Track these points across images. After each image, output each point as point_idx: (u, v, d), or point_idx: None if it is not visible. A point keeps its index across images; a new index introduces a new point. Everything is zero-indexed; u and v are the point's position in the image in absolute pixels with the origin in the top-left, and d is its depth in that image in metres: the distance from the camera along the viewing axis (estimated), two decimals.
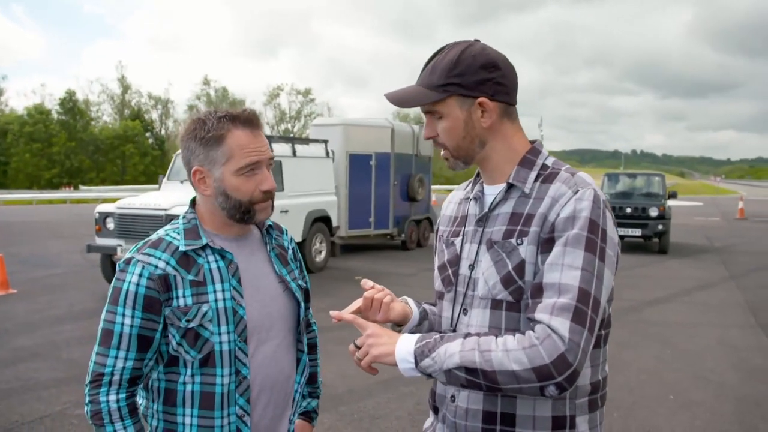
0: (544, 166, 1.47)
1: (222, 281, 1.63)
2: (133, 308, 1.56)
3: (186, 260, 1.61)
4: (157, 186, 11.38)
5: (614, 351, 6.60)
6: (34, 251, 14.27)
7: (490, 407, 1.43)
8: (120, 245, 9.01)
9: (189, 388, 1.61)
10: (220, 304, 1.61)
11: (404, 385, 5.38)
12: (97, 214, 9.39)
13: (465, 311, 1.50)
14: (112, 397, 1.56)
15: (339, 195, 12.97)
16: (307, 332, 1.99)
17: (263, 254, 1.77)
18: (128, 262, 1.60)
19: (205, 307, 1.59)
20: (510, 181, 1.46)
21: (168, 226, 1.70)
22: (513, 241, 1.40)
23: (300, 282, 1.83)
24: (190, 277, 1.60)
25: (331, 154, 12.55)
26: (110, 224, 9.22)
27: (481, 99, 1.42)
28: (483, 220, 1.49)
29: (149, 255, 1.60)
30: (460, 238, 1.55)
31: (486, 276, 1.43)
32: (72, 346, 6.54)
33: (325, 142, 12.44)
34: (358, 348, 1.45)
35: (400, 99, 1.47)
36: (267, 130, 72.63)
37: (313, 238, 11.39)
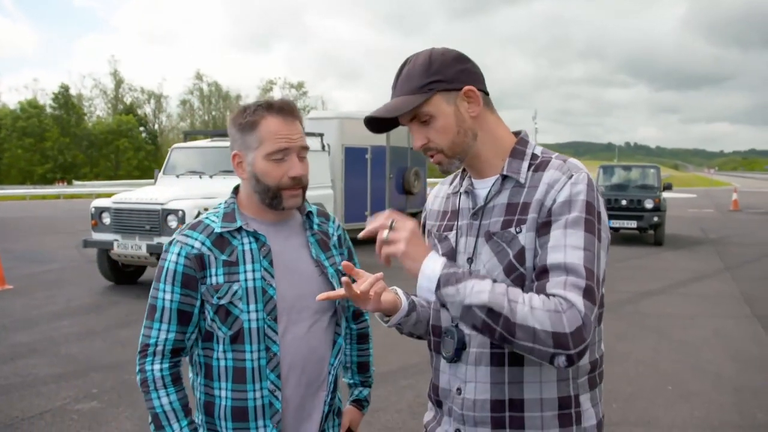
0: (534, 156, 1.48)
1: (253, 262, 1.71)
2: (173, 284, 1.69)
3: (221, 241, 1.72)
4: (152, 180, 11.35)
5: (611, 342, 6.63)
6: (29, 247, 14.23)
7: (498, 395, 1.44)
8: (116, 240, 8.98)
9: (222, 363, 1.71)
10: (250, 284, 1.70)
11: (404, 378, 5.40)
12: (93, 209, 9.35)
13: None
14: (156, 366, 1.69)
15: (335, 188, 12.97)
16: (358, 321, 2.05)
17: (302, 239, 1.83)
18: (170, 243, 1.74)
19: (235, 286, 1.69)
20: (504, 172, 1.47)
21: (210, 211, 1.81)
22: (512, 230, 1.42)
23: (341, 268, 1.83)
24: (224, 257, 1.70)
25: (326, 148, 12.53)
26: (106, 219, 9.18)
27: (468, 87, 1.43)
28: (478, 214, 1.50)
29: (187, 236, 1.72)
30: (453, 232, 1.55)
31: (488, 267, 1.44)
32: (70, 341, 6.53)
33: (321, 135, 12.42)
34: (390, 229, 1.37)
35: (387, 111, 1.43)
36: None
37: None
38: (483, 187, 1.52)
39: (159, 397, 1.68)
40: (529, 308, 1.28)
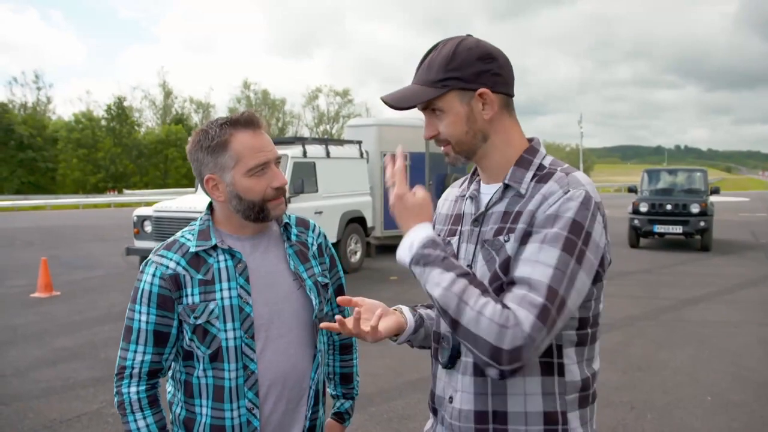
0: (540, 167, 1.44)
1: (229, 280, 1.69)
2: (149, 305, 1.67)
3: (197, 260, 1.69)
4: (194, 189, 11.58)
5: (650, 351, 6.48)
6: (77, 254, 14.66)
7: (482, 407, 1.42)
8: None
9: (203, 381, 1.69)
10: (227, 302, 1.67)
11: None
12: (135, 218, 9.60)
13: None
14: (133, 389, 1.67)
15: (374, 195, 13.00)
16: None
17: (280, 251, 1.80)
18: (146, 263, 1.72)
19: (212, 305, 1.66)
20: (506, 181, 1.44)
21: (186, 228, 1.78)
22: (501, 238, 1.39)
23: (320, 278, 1.84)
24: (199, 276, 1.68)
25: (365, 155, 12.59)
26: (148, 227, 9.41)
27: (482, 90, 1.40)
28: (479, 220, 1.47)
29: (162, 256, 1.70)
30: (456, 237, 1.53)
31: (480, 275, 1.41)
32: (110, 346, 6.70)
33: (359, 142, 12.48)
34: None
35: (398, 100, 1.44)
36: (305, 132, 73.57)
37: (348, 239, 11.44)
38: (488, 192, 1.49)
39: (135, 420, 1.66)
40: (477, 314, 1.25)
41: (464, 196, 1.57)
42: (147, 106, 70.50)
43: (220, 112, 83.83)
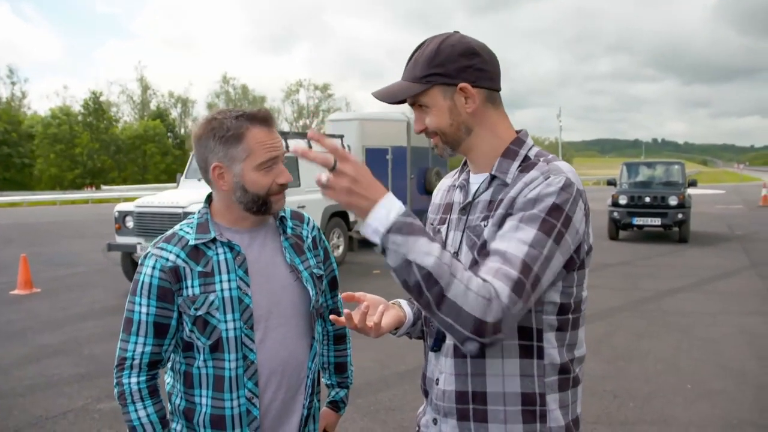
0: (526, 158, 1.48)
1: (228, 272, 1.72)
2: (149, 298, 1.70)
3: (196, 253, 1.73)
4: (175, 184, 11.51)
5: (631, 341, 6.58)
6: (56, 251, 14.50)
7: (462, 387, 1.46)
8: (139, 243, 9.13)
9: (203, 371, 1.73)
10: (226, 294, 1.71)
11: (421, 378, 5.39)
12: (117, 213, 9.51)
13: None
14: (133, 380, 1.70)
15: None
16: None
17: (276, 244, 1.84)
18: (145, 256, 1.75)
19: (212, 297, 1.70)
20: (492, 172, 1.48)
21: (184, 222, 1.82)
22: (482, 224, 1.44)
23: (315, 270, 1.88)
24: (199, 268, 1.71)
25: (347, 149, 12.57)
26: (129, 223, 9.34)
27: (463, 84, 1.44)
28: (466, 209, 1.52)
29: (162, 249, 1.73)
30: (445, 226, 1.58)
31: (464, 262, 1.46)
32: (94, 342, 6.66)
33: (341, 136, 12.48)
34: (333, 170, 1.24)
35: (386, 95, 1.50)
36: (285, 126, 73.33)
37: (330, 233, 11.44)
38: (476, 182, 1.54)
39: (136, 410, 1.69)
40: (464, 287, 1.23)
41: (455, 185, 1.62)
42: (124, 101, 69.87)
43: (200, 107, 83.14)
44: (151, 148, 60.28)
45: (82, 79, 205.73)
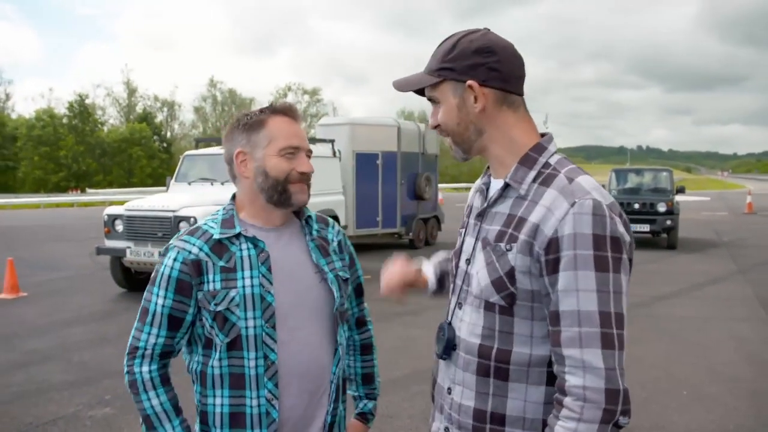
0: (546, 165, 1.40)
1: (251, 268, 1.70)
2: (167, 290, 1.68)
3: (219, 247, 1.71)
4: (164, 188, 11.41)
5: (626, 347, 6.57)
6: (42, 255, 14.32)
7: (482, 405, 1.42)
8: (129, 247, 9.03)
9: (217, 371, 1.70)
10: (248, 290, 1.68)
11: (415, 383, 5.37)
12: (106, 217, 9.42)
13: (460, 305, 1.50)
14: (145, 368, 1.69)
15: (346, 194, 12.98)
16: (361, 331, 2.02)
17: (302, 244, 1.81)
18: (167, 248, 1.74)
19: (233, 293, 1.67)
20: (507, 180, 1.42)
21: (209, 217, 1.81)
22: (503, 245, 1.38)
23: (341, 272, 1.84)
24: (221, 263, 1.69)
25: (337, 154, 12.55)
26: (119, 226, 9.24)
27: (470, 82, 1.40)
28: (482, 215, 1.48)
29: (185, 241, 1.72)
30: (464, 229, 1.56)
31: (479, 276, 1.42)
32: (83, 348, 6.56)
33: (332, 141, 12.44)
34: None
35: (400, 84, 1.51)
36: None
37: None
38: (494, 187, 1.49)
39: (149, 399, 1.69)
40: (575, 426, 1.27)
41: (478, 188, 1.59)
42: (110, 104, 69.27)
43: (186, 110, 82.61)
44: (137, 151, 59.78)
45: (64, 81, 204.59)
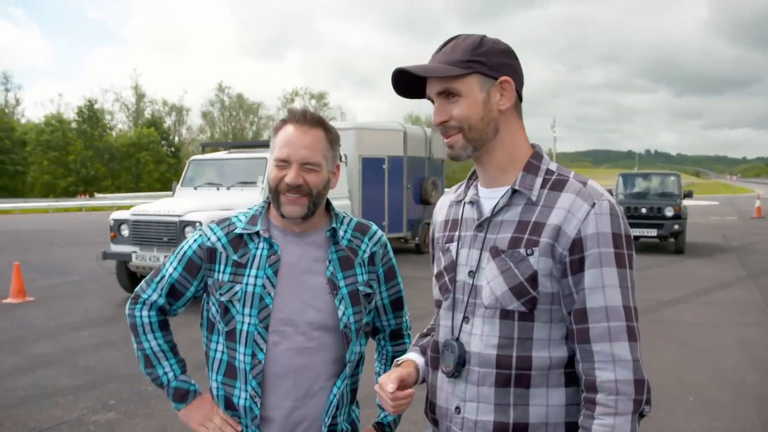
0: (548, 171, 1.45)
1: (259, 268, 1.74)
2: (178, 263, 1.82)
3: (238, 241, 1.77)
4: (171, 193, 11.44)
5: None
6: (49, 259, 14.39)
7: (502, 417, 1.39)
8: (135, 252, 9.05)
9: (218, 355, 1.79)
10: (250, 288, 1.73)
11: (419, 389, 5.34)
12: (112, 221, 9.45)
13: (467, 319, 1.46)
14: (145, 313, 1.84)
15: (352, 199, 12.99)
16: (396, 343, 1.99)
17: (322, 253, 1.78)
18: (197, 228, 1.85)
19: (237, 287, 1.74)
20: (516, 186, 1.42)
21: (243, 210, 1.87)
22: (521, 250, 1.37)
23: (361, 287, 1.79)
24: (235, 257, 1.76)
25: (343, 158, 12.56)
26: (125, 231, 9.27)
27: (505, 78, 1.41)
28: (484, 225, 1.45)
29: (210, 228, 1.82)
30: (455, 243, 1.51)
31: (492, 285, 1.40)
32: (89, 352, 6.57)
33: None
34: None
35: (422, 70, 1.42)
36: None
37: None
38: (489, 197, 1.47)
39: (148, 340, 1.83)
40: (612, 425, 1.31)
41: (460, 201, 1.56)
42: (119, 109, 69.62)
43: (194, 115, 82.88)
44: (145, 156, 60.02)
45: (74, 85, 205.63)
